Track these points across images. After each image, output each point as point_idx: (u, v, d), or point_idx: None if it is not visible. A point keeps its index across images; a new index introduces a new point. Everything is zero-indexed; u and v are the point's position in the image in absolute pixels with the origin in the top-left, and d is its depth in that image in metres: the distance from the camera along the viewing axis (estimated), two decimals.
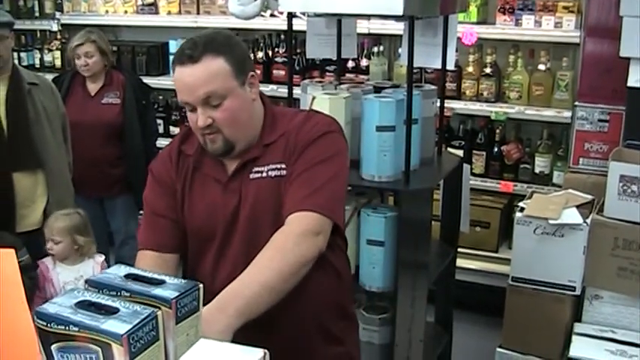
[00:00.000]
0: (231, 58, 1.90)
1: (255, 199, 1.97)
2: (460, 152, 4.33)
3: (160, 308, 1.25)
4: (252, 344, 1.32)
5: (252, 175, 1.98)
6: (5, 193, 3.43)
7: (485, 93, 4.45)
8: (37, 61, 5.97)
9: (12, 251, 1.31)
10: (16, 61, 5.71)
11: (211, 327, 1.53)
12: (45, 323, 1.19)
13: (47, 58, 5.94)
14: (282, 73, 4.93)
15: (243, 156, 2.00)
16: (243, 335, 1.57)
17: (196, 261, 2.06)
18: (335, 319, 2.13)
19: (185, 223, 2.05)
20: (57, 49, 5.89)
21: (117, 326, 1.16)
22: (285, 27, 3.01)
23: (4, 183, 3.43)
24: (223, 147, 1.97)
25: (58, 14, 5.80)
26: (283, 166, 1.97)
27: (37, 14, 5.92)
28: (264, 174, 1.98)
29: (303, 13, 3.24)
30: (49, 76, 4.61)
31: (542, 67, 4.32)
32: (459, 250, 3.48)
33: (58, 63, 5.87)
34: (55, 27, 5.82)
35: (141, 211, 4.56)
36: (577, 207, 2.94)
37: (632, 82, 3.00)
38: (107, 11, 5.61)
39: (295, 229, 1.85)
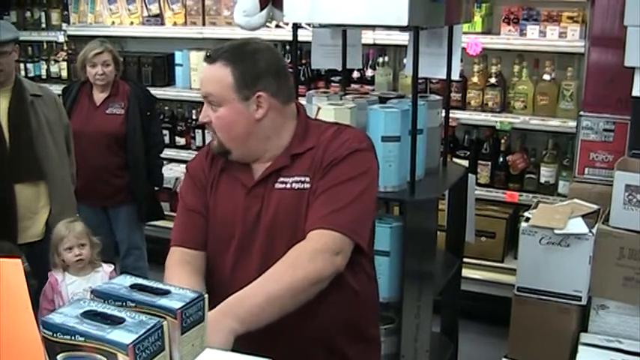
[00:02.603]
0: (238, 71, 1.90)
1: (276, 209, 1.96)
2: (465, 162, 4.33)
3: (165, 318, 1.25)
4: (261, 354, 1.32)
5: (277, 185, 1.98)
6: (7, 205, 3.44)
7: (490, 103, 4.46)
8: (44, 72, 6.02)
9: (18, 261, 1.32)
10: (23, 72, 5.78)
11: (213, 329, 1.52)
12: (51, 333, 1.19)
13: (53, 69, 5.98)
14: None
15: (271, 164, 1.99)
16: (250, 347, 1.57)
17: (215, 263, 2.05)
18: (350, 342, 2.07)
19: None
20: (63, 60, 5.93)
21: (123, 336, 1.16)
22: (290, 38, 3.02)
23: (6, 194, 3.43)
24: (217, 147, 2.01)
25: (64, 26, 5.84)
26: (307, 179, 1.95)
27: (43, 25, 5.96)
28: (288, 185, 1.97)
29: (309, 24, 3.26)
30: (55, 87, 4.64)
31: (547, 77, 4.32)
32: (465, 260, 3.47)
33: (64, 74, 5.92)
34: (61, 38, 5.86)
35: (146, 222, 4.63)
36: (582, 217, 2.93)
37: (636, 91, 3.00)
38: (113, 22, 5.64)
39: (314, 245, 1.84)
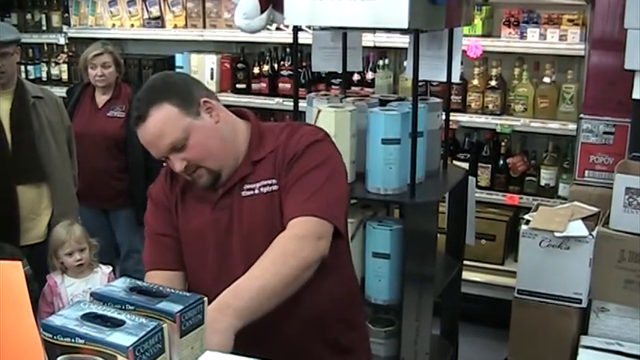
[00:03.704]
0: (173, 98, 1.90)
1: (251, 216, 1.97)
2: (465, 165, 4.33)
3: (164, 321, 1.25)
4: (255, 353, 1.32)
5: (244, 193, 1.99)
6: (9, 206, 3.44)
7: (490, 106, 4.46)
8: (44, 75, 6.01)
9: (19, 264, 1.32)
10: (24, 75, 5.77)
11: (212, 329, 1.52)
12: (51, 335, 1.20)
13: (54, 71, 5.97)
14: (288, 86, 4.95)
15: (233, 176, 2.00)
16: (247, 343, 1.57)
17: (194, 277, 2.06)
18: (342, 329, 2.10)
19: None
20: (64, 62, 5.93)
21: (123, 338, 1.16)
22: (290, 40, 3.02)
23: (8, 196, 3.43)
24: (210, 179, 1.98)
25: (65, 28, 5.84)
26: (274, 181, 1.98)
27: (44, 28, 5.96)
28: (257, 190, 1.98)
29: (309, 27, 3.26)
30: (56, 89, 4.63)
31: (547, 79, 4.32)
32: (465, 262, 3.47)
33: (65, 76, 5.92)
34: (62, 40, 5.86)
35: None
36: (583, 219, 2.93)
37: (637, 94, 3.00)
38: (114, 25, 5.64)
39: (297, 232, 1.85)
